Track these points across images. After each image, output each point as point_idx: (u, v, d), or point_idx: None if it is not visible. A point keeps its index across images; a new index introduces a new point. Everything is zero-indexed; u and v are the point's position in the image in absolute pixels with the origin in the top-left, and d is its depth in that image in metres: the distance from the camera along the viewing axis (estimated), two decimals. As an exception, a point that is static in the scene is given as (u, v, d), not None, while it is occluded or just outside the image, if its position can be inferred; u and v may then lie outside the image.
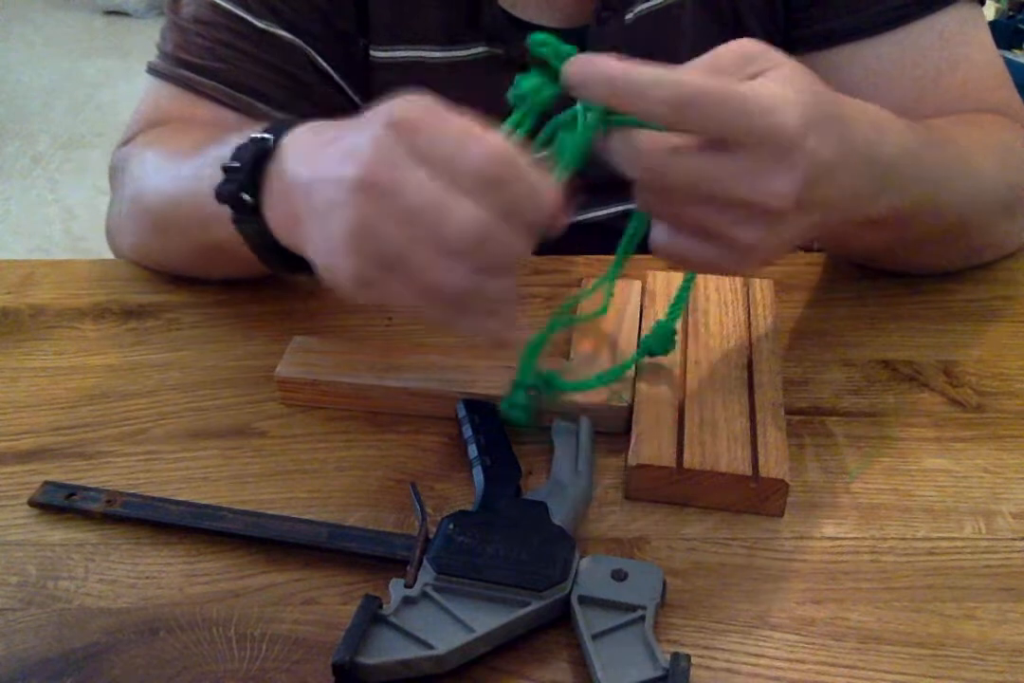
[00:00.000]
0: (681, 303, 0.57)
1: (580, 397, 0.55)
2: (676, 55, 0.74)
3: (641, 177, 0.45)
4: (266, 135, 0.51)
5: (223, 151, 0.53)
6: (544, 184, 0.42)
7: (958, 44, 0.70)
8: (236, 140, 0.53)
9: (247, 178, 0.51)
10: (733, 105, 0.42)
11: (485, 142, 0.41)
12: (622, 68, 0.42)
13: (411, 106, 0.42)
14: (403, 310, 0.65)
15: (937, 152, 0.57)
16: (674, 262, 0.49)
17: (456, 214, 0.40)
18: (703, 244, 0.46)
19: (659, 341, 0.57)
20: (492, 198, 0.41)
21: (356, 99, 0.75)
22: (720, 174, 0.43)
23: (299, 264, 0.49)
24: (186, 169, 0.60)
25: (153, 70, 0.74)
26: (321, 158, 0.45)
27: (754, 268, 0.50)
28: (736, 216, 0.44)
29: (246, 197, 0.51)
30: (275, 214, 0.50)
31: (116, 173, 0.72)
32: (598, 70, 0.43)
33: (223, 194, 0.52)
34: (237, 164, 0.51)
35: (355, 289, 0.43)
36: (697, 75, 0.43)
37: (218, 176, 0.52)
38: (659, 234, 0.47)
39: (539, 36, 0.46)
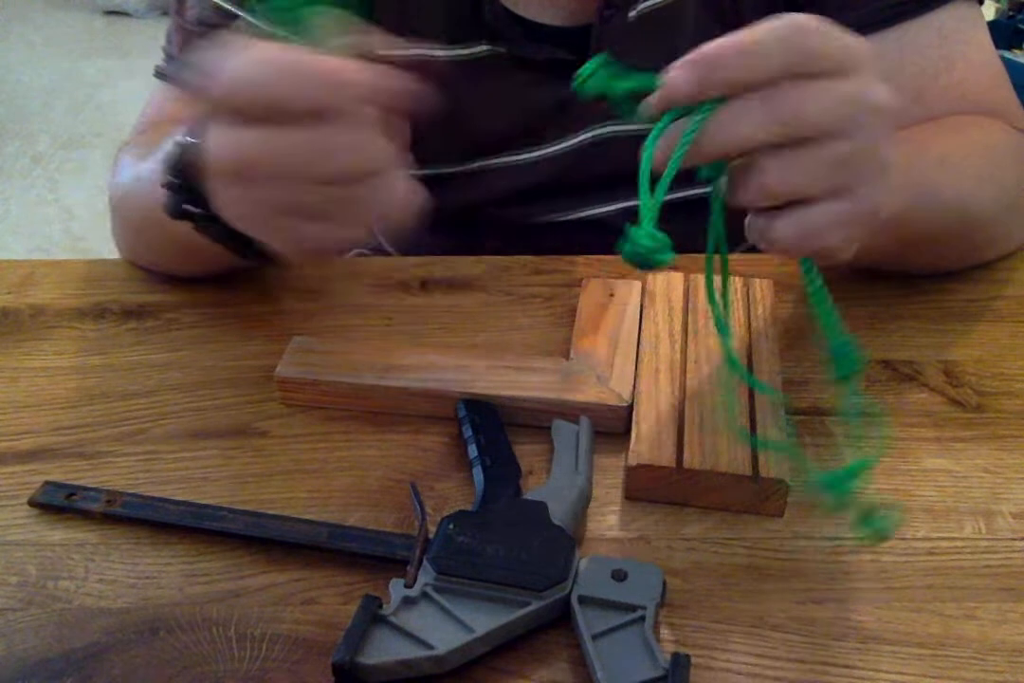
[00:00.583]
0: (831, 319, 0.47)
1: (580, 396, 0.55)
2: (678, 53, 0.75)
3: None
4: (191, 139, 0.51)
5: (165, 152, 0.54)
6: (344, 69, 0.42)
7: (956, 42, 0.70)
8: (170, 145, 0.53)
9: (188, 192, 0.51)
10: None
11: (297, 65, 0.41)
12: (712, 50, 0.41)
13: (219, 74, 0.42)
14: (403, 310, 0.66)
15: (918, 160, 0.58)
16: (805, 246, 0.44)
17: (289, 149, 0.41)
18: (827, 205, 0.42)
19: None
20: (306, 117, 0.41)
21: None
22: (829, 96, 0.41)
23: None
24: (144, 170, 0.61)
25: (159, 73, 0.74)
26: (204, 154, 0.46)
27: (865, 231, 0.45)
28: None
29: (192, 209, 0.52)
30: (219, 211, 0.49)
31: (110, 173, 0.73)
32: (701, 61, 0.41)
33: (174, 212, 0.53)
34: (174, 180, 0.52)
35: (300, 257, 0.45)
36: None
37: (152, 174, 0.53)
38: (777, 225, 0.43)
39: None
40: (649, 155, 0.42)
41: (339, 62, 0.42)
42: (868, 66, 0.43)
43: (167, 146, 0.55)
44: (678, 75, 0.41)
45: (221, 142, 0.43)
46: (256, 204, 0.44)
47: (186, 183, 0.52)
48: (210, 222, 0.52)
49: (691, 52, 0.41)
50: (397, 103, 0.43)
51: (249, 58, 0.42)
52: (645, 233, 0.42)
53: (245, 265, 0.62)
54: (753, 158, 0.42)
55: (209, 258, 0.62)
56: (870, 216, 0.44)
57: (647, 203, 0.42)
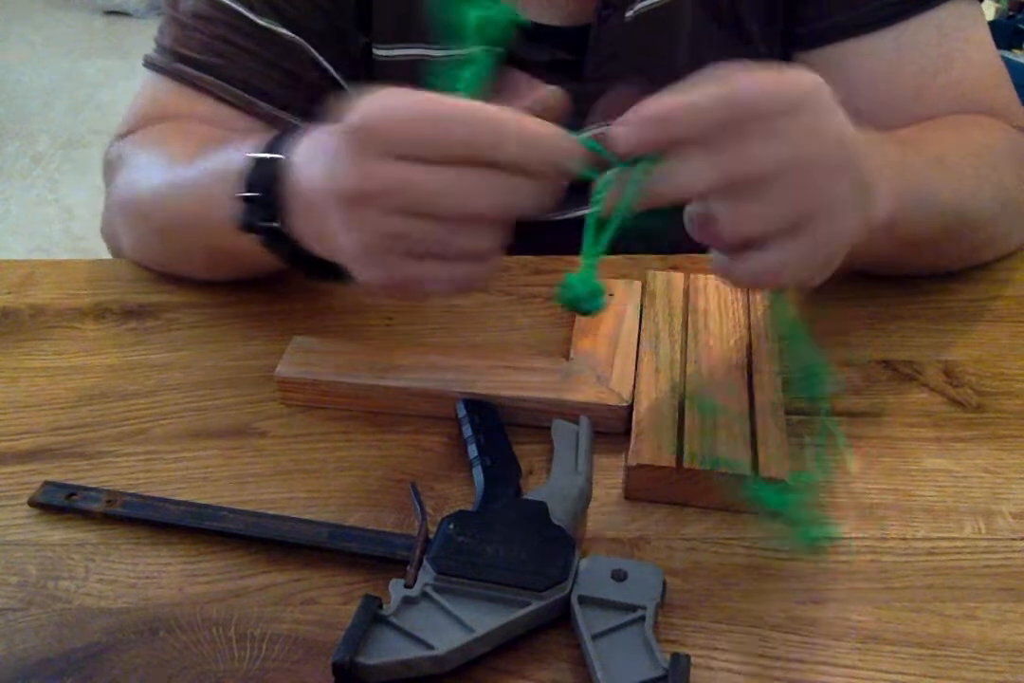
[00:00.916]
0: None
1: (580, 396, 0.55)
2: (675, 53, 0.75)
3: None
4: (276, 156, 0.51)
5: (226, 163, 0.54)
6: (534, 127, 0.43)
7: (956, 41, 0.70)
8: (238, 157, 0.53)
9: (269, 208, 0.51)
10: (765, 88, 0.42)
11: (459, 110, 0.42)
12: (662, 105, 0.42)
13: (370, 106, 0.43)
14: (403, 310, 0.66)
15: (915, 160, 0.58)
16: (764, 283, 0.47)
17: (457, 190, 0.42)
18: (781, 245, 0.44)
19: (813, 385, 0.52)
20: (485, 159, 0.42)
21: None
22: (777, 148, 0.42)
23: (337, 269, 0.49)
24: (187, 176, 0.61)
25: (150, 64, 0.73)
26: (318, 176, 0.46)
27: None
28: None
29: (276, 225, 0.52)
30: (305, 232, 0.50)
31: (110, 168, 0.72)
32: (646, 119, 0.42)
33: (250, 226, 0.53)
34: (256, 194, 0.52)
35: (394, 293, 0.46)
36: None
37: (226, 195, 0.53)
38: (735, 266, 0.45)
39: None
40: (598, 202, 0.44)
41: (502, 111, 0.43)
42: (810, 101, 0.43)
43: (225, 157, 0.55)
44: (621, 133, 0.43)
45: (356, 169, 0.43)
46: (374, 235, 0.44)
47: (266, 198, 0.51)
48: (278, 239, 0.52)
49: (632, 111, 0.43)
50: (548, 162, 0.43)
51: (408, 97, 0.43)
52: (580, 280, 0.45)
53: (269, 272, 0.62)
54: (706, 204, 0.43)
55: (240, 266, 0.62)
56: (830, 249, 0.46)
57: (590, 251, 0.44)
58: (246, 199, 0.52)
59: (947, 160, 0.62)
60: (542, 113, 0.45)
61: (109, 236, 0.74)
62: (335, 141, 0.44)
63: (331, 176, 0.44)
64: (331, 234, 0.46)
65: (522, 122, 0.43)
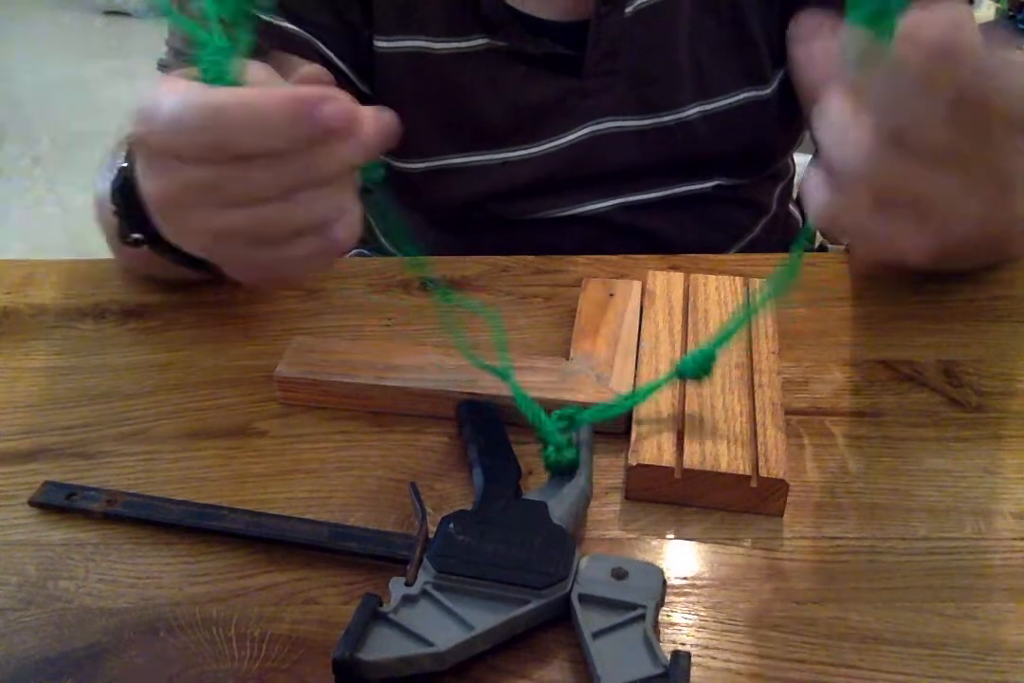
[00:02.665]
0: (730, 334, 0.51)
1: (580, 396, 0.55)
2: (674, 48, 0.75)
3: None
4: (124, 164, 0.52)
5: (111, 170, 0.55)
6: (259, 110, 0.39)
7: None
8: (112, 171, 0.54)
9: (134, 219, 0.52)
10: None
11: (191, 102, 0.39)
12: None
13: (139, 116, 0.41)
14: (403, 310, 0.66)
15: None
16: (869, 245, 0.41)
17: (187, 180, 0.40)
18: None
19: (696, 366, 0.52)
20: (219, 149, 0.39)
21: (364, 89, 0.76)
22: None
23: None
24: (100, 189, 0.61)
25: (162, 67, 0.74)
26: (143, 186, 0.44)
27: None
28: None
29: (138, 236, 0.53)
30: (167, 234, 0.48)
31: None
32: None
33: (130, 240, 0.54)
34: (116, 208, 0.53)
35: (256, 279, 0.44)
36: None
37: (107, 196, 0.54)
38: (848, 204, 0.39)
39: None
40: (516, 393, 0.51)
41: (270, 97, 0.39)
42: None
43: (112, 167, 0.55)
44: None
45: (161, 181, 0.42)
46: (201, 233, 0.43)
47: (130, 211, 0.52)
48: (160, 245, 0.51)
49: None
50: (335, 125, 0.39)
51: (180, 101, 0.39)
52: (554, 449, 0.50)
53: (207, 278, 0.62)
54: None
55: (180, 272, 0.62)
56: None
57: (548, 429, 0.51)
58: (115, 213, 0.54)
59: None
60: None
61: None
62: (136, 151, 0.44)
63: (147, 187, 0.43)
64: (177, 235, 0.45)
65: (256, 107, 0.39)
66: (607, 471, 0.53)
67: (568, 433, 0.51)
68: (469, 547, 0.45)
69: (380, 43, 0.73)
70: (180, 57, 0.72)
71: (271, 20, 0.70)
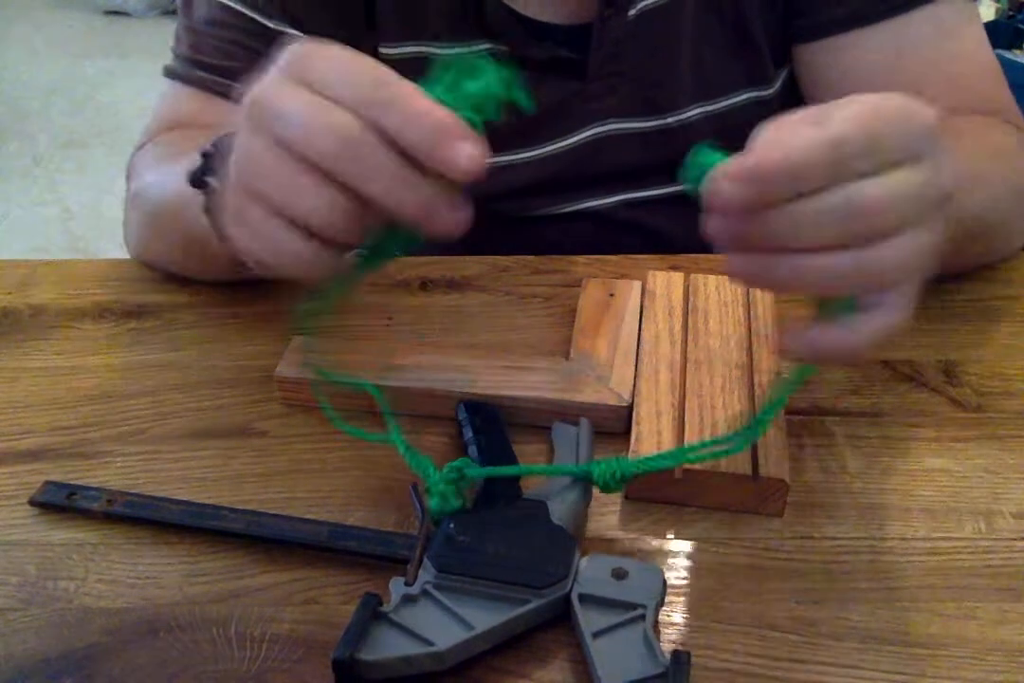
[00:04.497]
0: (779, 405, 0.48)
1: (580, 396, 0.55)
2: (677, 50, 0.75)
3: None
4: (215, 148, 0.50)
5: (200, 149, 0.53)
6: (428, 109, 0.41)
7: (955, 37, 0.70)
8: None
9: (217, 160, 0.50)
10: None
11: (364, 64, 0.41)
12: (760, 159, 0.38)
13: (298, 47, 0.42)
14: (403, 310, 0.66)
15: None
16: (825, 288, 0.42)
17: (327, 120, 0.39)
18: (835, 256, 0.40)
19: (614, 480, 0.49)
20: (369, 115, 0.40)
21: None
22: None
23: None
24: (180, 166, 0.61)
25: (169, 73, 0.74)
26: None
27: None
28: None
29: (209, 179, 0.51)
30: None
31: (128, 178, 0.73)
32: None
33: (192, 177, 0.52)
34: (211, 148, 0.51)
35: (236, 232, 0.42)
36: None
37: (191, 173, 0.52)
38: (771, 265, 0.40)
39: None
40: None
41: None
42: (934, 152, 0.41)
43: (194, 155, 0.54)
44: (727, 188, 0.39)
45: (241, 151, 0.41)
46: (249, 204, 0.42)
47: (211, 161, 0.51)
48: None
49: (738, 162, 0.39)
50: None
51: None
52: (440, 498, 0.48)
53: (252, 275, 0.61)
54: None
55: (213, 259, 0.62)
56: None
57: (433, 479, 0.48)
58: (203, 153, 0.52)
59: (974, 166, 0.61)
60: None
61: (129, 245, 0.75)
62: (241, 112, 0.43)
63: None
64: (223, 210, 0.44)
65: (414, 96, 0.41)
66: (607, 471, 0.53)
67: (457, 484, 0.48)
68: (469, 547, 0.45)
69: (385, 49, 0.73)
70: (190, 66, 0.72)
71: (276, 27, 0.70)
